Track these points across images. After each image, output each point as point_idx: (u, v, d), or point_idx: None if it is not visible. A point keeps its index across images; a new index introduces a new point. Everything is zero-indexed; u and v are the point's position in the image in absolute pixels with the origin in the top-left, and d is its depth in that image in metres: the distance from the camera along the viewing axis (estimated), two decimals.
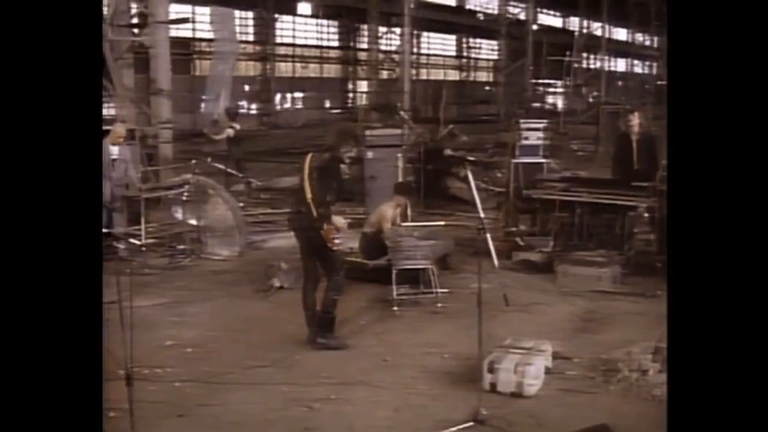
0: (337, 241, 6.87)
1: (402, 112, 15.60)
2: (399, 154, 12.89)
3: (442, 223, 9.02)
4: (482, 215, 9.12)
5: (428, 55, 53.42)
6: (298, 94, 45.43)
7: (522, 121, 11.75)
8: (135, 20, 13.85)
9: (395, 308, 8.21)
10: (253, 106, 41.80)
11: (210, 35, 29.33)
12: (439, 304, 8.26)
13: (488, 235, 8.98)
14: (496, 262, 8.97)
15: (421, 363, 6.73)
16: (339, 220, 6.99)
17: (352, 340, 7.38)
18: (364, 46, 38.34)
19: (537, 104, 35.40)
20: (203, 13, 26.87)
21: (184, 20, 18.33)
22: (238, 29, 37.88)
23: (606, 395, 5.97)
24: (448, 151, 12.65)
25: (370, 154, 13.02)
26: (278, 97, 43.36)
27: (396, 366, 6.69)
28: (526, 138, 11.41)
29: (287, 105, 44.86)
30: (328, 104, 46.73)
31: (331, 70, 46.92)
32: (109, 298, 8.88)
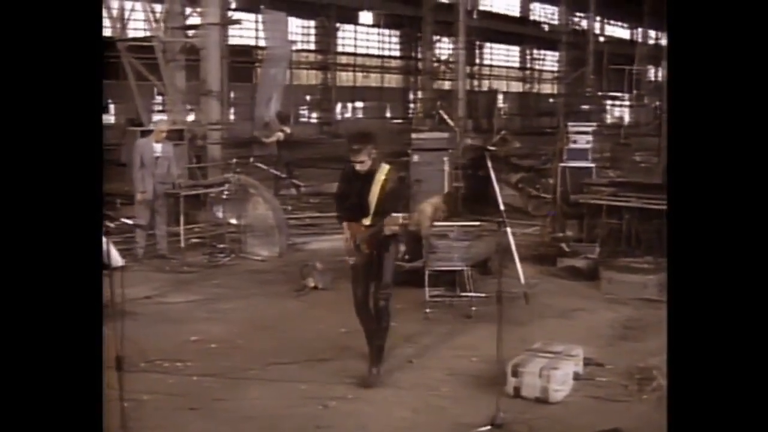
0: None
1: (441, 111, 15.35)
2: (445, 158, 12.66)
3: (477, 223, 8.71)
4: (502, 208, 8.83)
5: (491, 65, 53.02)
6: (359, 104, 45.56)
7: (570, 124, 11.40)
8: (188, 22, 13.93)
9: (428, 310, 7.99)
10: (314, 114, 42.08)
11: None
12: (474, 308, 8.00)
13: (509, 230, 8.65)
14: (518, 264, 8.64)
15: (448, 365, 6.50)
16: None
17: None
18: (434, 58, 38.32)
19: (586, 107, 34.71)
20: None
21: (236, 22, 18.47)
22: (297, 36, 38.34)
23: (639, 404, 5.64)
24: (468, 140, 12.14)
25: (416, 158, 12.82)
26: (339, 106, 43.56)
27: (421, 368, 6.48)
28: (575, 142, 11.07)
29: (348, 114, 45.03)
30: (389, 114, 46.74)
31: (392, 80, 46.92)
32: (145, 294, 9.05)
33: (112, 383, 5.94)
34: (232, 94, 35.00)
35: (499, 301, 5.43)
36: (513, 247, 8.66)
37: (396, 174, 6.13)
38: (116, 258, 10.25)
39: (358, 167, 5.96)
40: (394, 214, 5.77)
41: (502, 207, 8.71)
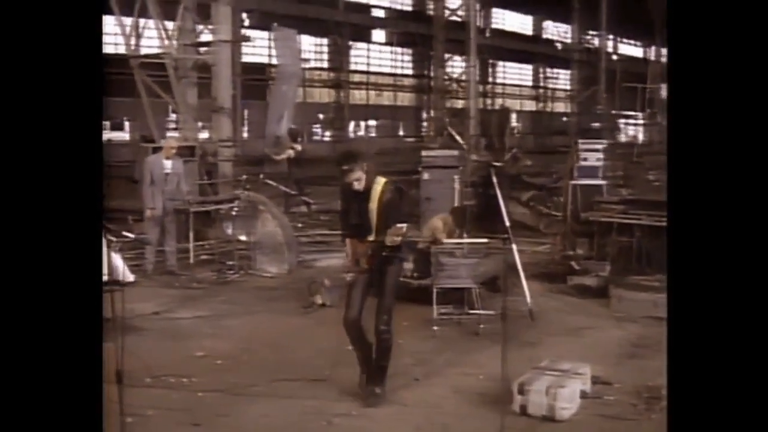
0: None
1: (449, 129, 15.35)
2: (456, 176, 12.62)
3: (485, 240, 8.65)
4: (508, 224, 8.78)
5: (503, 84, 53.09)
6: (372, 122, 45.68)
7: (581, 141, 11.36)
8: (199, 39, 14.01)
9: (435, 328, 7.94)
10: (327, 132, 42.19)
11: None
12: (482, 326, 7.94)
13: (514, 247, 8.62)
14: (524, 282, 8.61)
15: (454, 383, 6.45)
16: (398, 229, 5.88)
17: None
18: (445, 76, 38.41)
19: (597, 124, 34.63)
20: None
21: (247, 38, 18.57)
22: (310, 54, 38.51)
23: (647, 423, 5.56)
24: (473, 156, 12.03)
25: (426, 175, 12.80)
26: (352, 124, 43.67)
27: (427, 385, 6.43)
28: (585, 159, 11.02)
29: (361, 132, 45.13)
30: (401, 132, 46.82)
31: (405, 98, 47.04)
32: (153, 310, 9.04)
33: (115, 397, 5.98)
34: (245, 112, 35.21)
35: (503, 318, 5.37)
36: (519, 265, 8.61)
37: (392, 186, 5.94)
38: (127, 274, 10.35)
39: (355, 186, 5.87)
40: (398, 225, 5.65)
41: (507, 223, 8.65)
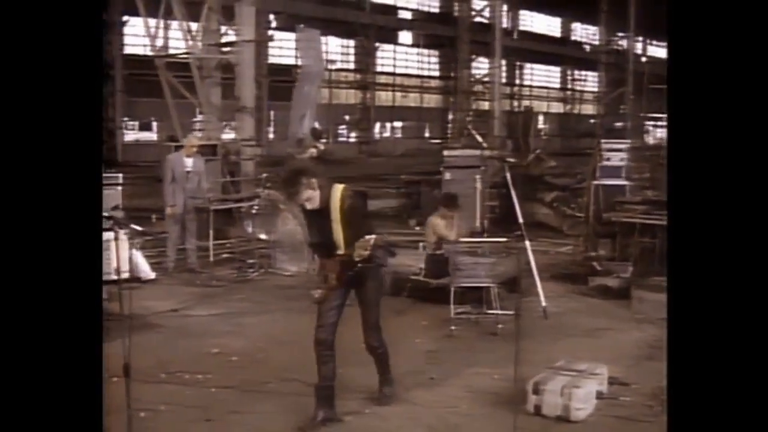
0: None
1: (469, 127, 15.27)
2: (477, 176, 12.56)
3: (504, 239, 8.58)
4: (521, 221, 8.71)
5: (531, 86, 52.86)
6: (398, 123, 45.66)
7: (604, 141, 11.24)
8: (223, 39, 14.08)
9: (453, 327, 7.88)
10: (353, 133, 42.26)
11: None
12: (500, 326, 7.86)
13: (527, 244, 8.55)
14: (538, 280, 8.55)
15: (469, 383, 6.38)
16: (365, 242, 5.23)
17: (402, 358, 7.09)
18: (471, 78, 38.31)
19: (619, 124, 34.25)
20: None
21: (270, 39, 18.63)
22: (336, 56, 38.57)
23: (663, 424, 5.44)
24: (487, 152, 11.71)
25: (448, 175, 12.76)
26: (378, 125, 43.70)
27: (441, 385, 6.37)
28: (608, 159, 10.89)
29: (386, 134, 45.15)
30: (427, 133, 46.77)
31: (432, 100, 46.98)
32: (171, 307, 9.06)
33: (131, 393, 6.00)
34: (272, 113, 35.35)
35: (517, 317, 5.30)
36: (532, 262, 8.56)
37: (350, 191, 5.32)
38: (147, 271, 10.41)
39: (308, 206, 5.27)
40: (366, 237, 5.05)
41: (521, 220, 8.57)
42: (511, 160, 11.62)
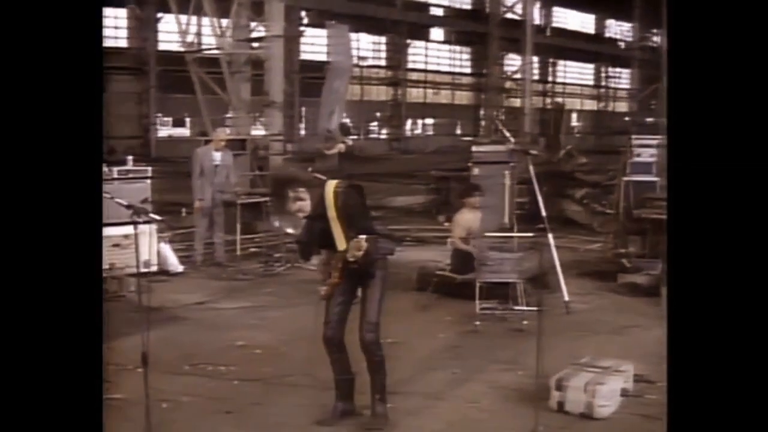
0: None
1: (497, 122, 15.16)
2: (506, 172, 12.42)
3: (530, 234, 8.50)
4: (544, 214, 8.64)
5: (564, 83, 52.46)
6: (429, 120, 45.56)
7: (634, 137, 11.08)
8: (253, 35, 14.15)
9: (477, 323, 7.83)
10: (384, 130, 42.24)
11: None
12: (525, 322, 7.79)
13: (550, 237, 8.48)
14: (560, 276, 8.50)
15: (492, 378, 6.32)
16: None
17: (424, 352, 7.07)
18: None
19: (650, 119, 33.73)
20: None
21: (299, 34, 18.66)
22: (367, 52, 38.55)
23: None
24: (510, 142, 11.37)
25: (476, 171, 12.64)
26: (409, 122, 43.64)
27: (464, 379, 6.32)
28: (638, 155, 10.74)
29: (418, 131, 45.07)
30: (459, 130, 46.61)
31: (463, 97, 46.81)
32: (197, 300, 9.09)
33: (155, 384, 6.03)
34: (303, 110, 35.49)
35: (540, 312, 5.25)
36: (555, 258, 8.49)
37: (343, 186, 5.08)
38: (175, 264, 10.48)
39: (301, 215, 5.10)
40: (359, 237, 4.91)
41: (543, 213, 8.50)
42: (534, 152, 11.45)
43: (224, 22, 14.31)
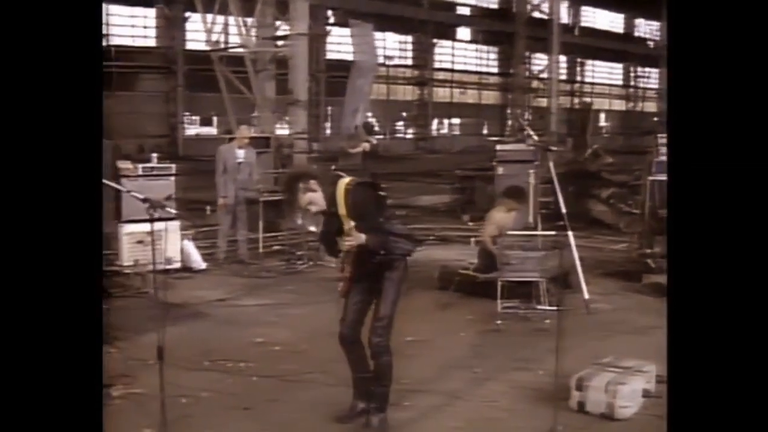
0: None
1: (521, 121, 15.05)
2: (531, 171, 12.36)
3: (553, 232, 8.42)
4: (564, 210, 8.52)
5: (592, 83, 52.05)
6: (456, 120, 45.41)
7: (660, 136, 10.91)
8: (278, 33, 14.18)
9: (498, 322, 7.77)
10: (410, 130, 42.17)
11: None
12: (548, 321, 7.71)
13: (570, 234, 8.41)
14: (581, 273, 8.43)
15: (512, 378, 6.26)
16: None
17: (444, 351, 7.03)
18: (527, 74, 37.81)
19: None
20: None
21: (324, 33, 18.67)
22: (393, 52, 38.49)
23: None
24: (530, 134, 11.09)
25: (501, 170, 12.60)
26: (435, 122, 43.53)
27: (484, 378, 6.27)
28: (665, 154, 10.56)
29: (444, 130, 44.95)
30: (485, 130, 46.41)
31: (490, 97, 46.60)
32: (219, 297, 9.11)
33: (175, 380, 6.05)
34: (328, 109, 35.55)
35: (560, 311, 5.18)
36: (576, 256, 8.41)
37: (354, 183, 4.97)
38: (198, 261, 10.52)
39: (313, 210, 4.99)
40: (350, 226, 4.87)
41: (564, 210, 8.40)
42: (554, 148, 11.34)
43: (249, 21, 14.35)
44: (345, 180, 5.00)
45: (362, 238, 4.88)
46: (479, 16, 43.52)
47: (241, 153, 10.86)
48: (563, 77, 46.15)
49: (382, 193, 5.13)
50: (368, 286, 5.14)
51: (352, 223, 4.93)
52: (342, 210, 4.94)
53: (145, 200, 4.28)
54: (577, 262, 8.45)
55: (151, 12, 33.96)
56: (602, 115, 52.50)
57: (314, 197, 4.95)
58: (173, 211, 4.92)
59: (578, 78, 50.51)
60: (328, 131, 35.04)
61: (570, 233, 8.35)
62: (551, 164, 9.26)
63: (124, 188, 4.47)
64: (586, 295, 8.35)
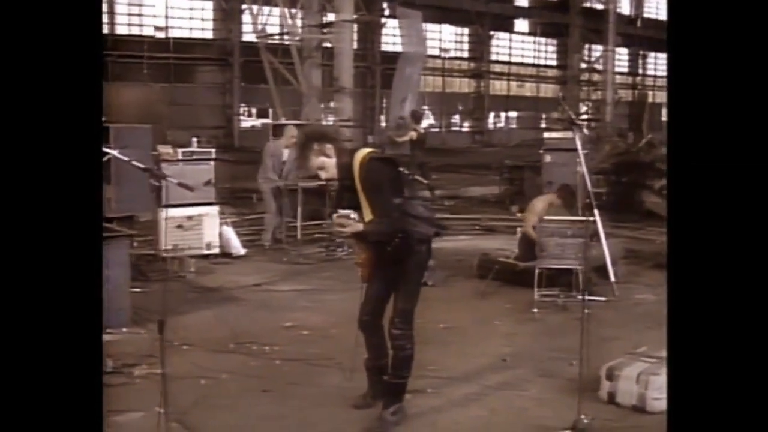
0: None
1: (565, 107, 14.66)
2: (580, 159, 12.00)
3: (592, 219, 8.13)
4: (591, 189, 8.34)
5: (655, 76, 50.86)
6: (513, 113, 44.86)
7: None
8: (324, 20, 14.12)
9: (535, 311, 7.53)
10: (466, 123, 41.83)
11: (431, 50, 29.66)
12: (586, 311, 7.41)
13: (597, 217, 8.15)
14: (608, 259, 8.36)
15: (544, 367, 6.04)
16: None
17: (478, 339, 6.83)
18: (583, 65, 37.08)
19: None
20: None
21: (378, 23, 18.55)
22: (450, 44, 38.16)
23: None
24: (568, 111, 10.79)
25: (548, 158, 12.30)
26: (492, 115, 43.07)
27: (514, 367, 6.06)
28: None
29: (501, 124, 44.45)
30: (543, 124, 45.72)
31: (548, 90, 45.89)
32: (255, 282, 9.07)
33: (198, 362, 6.00)
34: (383, 101, 35.43)
35: (583, 300, 4.96)
36: (603, 239, 8.15)
37: (370, 157, 4.59)
38: (238, 247, 10.51)
39: (322, 175, 4.69)
40: (344, 211, 4.56)
41: (590, 189, 8.16)
42: (585, 130, 11.02)
43: (295, 10, 14.33)
44: (364, 151, 4.68)
45: (359, 227, 4.59)
46: (537, 7, 42.87)
47: (287, 152, 10.86)
48: (624, 70, 45.21)
49: (401, 170, 4.91)
50: (388, 273, 4.81)
51: (365, 200, 4.61)
52: (357, 183, 4.60)
53: (145, 169, 4.18)
54: (605, 247, 8.22)
55: (209, 4, 34.30)
56: (664, 110, 51.28)
57: (326, 162, 4.64)
58: (189, 185, 4.71)
59: (640, 71, 49.40)
60: (383, 124, 34.92)
61: (596, 212, 8.19)
62: (578, 140, 8.97)
63: (125, 157, 4.34)
64: (612, 278, 8.14)
